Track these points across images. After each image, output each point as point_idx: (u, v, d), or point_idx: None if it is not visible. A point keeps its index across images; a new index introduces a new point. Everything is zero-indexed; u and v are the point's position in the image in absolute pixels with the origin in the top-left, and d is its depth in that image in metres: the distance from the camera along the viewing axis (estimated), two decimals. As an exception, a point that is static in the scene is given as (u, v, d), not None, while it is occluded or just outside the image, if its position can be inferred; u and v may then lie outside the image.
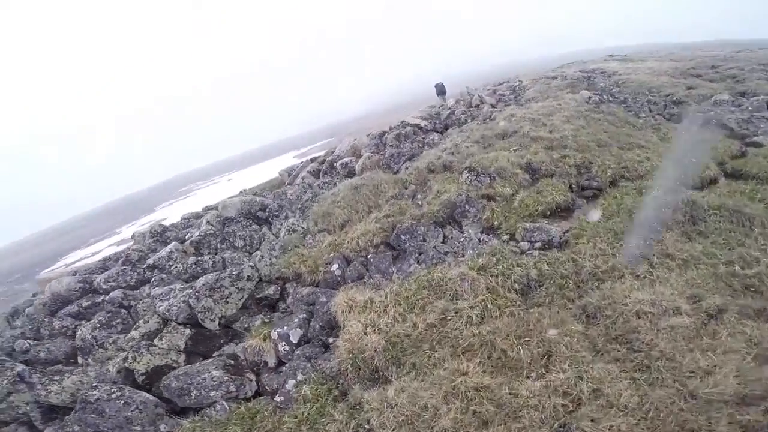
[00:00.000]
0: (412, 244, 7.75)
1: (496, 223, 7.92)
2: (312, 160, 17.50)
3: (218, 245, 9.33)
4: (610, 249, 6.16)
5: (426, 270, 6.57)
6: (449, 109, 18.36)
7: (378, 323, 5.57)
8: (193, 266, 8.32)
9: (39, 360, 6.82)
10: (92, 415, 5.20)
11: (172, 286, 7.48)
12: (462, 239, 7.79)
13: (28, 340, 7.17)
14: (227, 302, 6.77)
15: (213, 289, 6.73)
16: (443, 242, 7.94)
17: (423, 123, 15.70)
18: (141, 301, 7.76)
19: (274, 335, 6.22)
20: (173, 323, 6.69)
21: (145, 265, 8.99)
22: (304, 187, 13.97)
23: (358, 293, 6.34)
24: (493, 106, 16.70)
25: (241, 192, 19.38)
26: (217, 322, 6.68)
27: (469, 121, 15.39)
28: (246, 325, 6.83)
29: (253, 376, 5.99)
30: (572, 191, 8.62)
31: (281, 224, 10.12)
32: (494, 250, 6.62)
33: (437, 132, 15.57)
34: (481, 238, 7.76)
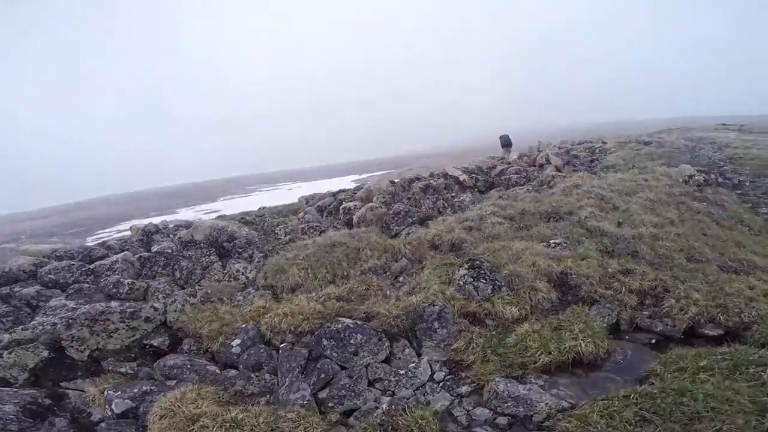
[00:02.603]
0: (335, 354, 5.33)
1: (468, 359, 5.03)
2: (334, 194, 15.22)
3: (159, 269, 8.30)
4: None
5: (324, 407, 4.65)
6: (508, 164, 15.31)
7: None
8: (111, 287, 7.32)
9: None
10: None
11: (66, 302, 6.72)
12: (408, 368, 5.21)
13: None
14: (111, 337, 6.17)
15: (95, 320, 6.15)
16: (386, 362, 5.43)
17: (463, 177, 12.88)
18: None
19: (107, 394, 5.08)
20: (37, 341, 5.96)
21: (84, 268, 7.89)
22: (302, 223, 11.74)
23: (207, 402, 4.36)
24: (558, 169, 13.34)
25: (260, 208, 17.80)
26: (86, 353, 6.06)
27: (521, 183, 12.27)
28: (112, 367, 5.94)
29: (63, 423, 4.99)
30: (617, 333, 5.42)
31: (233, 264, 8.49)
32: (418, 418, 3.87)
33: (479, 190, 12.69)
34: (436, 376, 5.13)
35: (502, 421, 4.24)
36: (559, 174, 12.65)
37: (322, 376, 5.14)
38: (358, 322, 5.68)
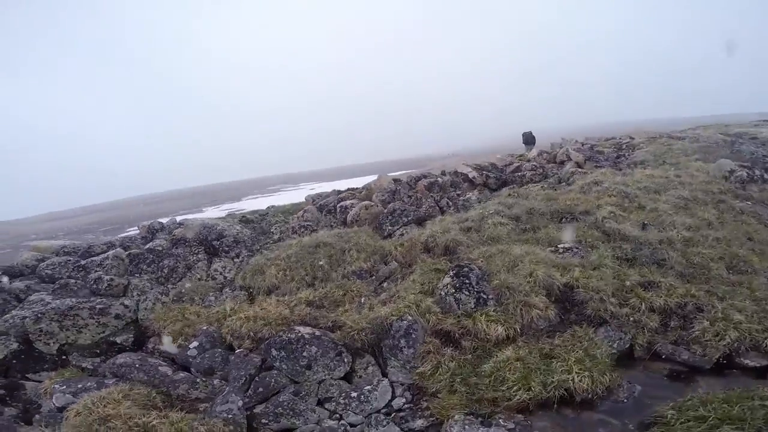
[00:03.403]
0: (285, 367, 4.73)
1: (432, 387, 4.16)
2: (339, 192, 14.36)
3: (145, 266, 8.15)
4: None
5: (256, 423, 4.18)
6: (526, 161, 14.13)
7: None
8: (92, 283, 7.24)
9: None
10: None
11: (43, 297, 6.63)
12: (363, 391, 4.44)
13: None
14: (81, 332, 6.16)
15: (65, 315, 6.15)
16: (346, 379, 4.76)
17: (473, 174, 11.79)
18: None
19: (53, 387, 4.89)
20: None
21: (77, 264, 7.82)
22: (298, 222, 11.04)
23: (128, 404, 4.02)
24: (579, 165, 12.04)
25: (268, 207, 17.32)
26: (56, 347, 6.07)
27: (537, 180, 11.10)
28: (76, 362, 5.94)
29: (12, 412, 4.92)
30: (630, 361, 4.34)
31: (217, 263, 8.22)
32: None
33: (489, 189, 11.60)
34: (395, 402, 4.36)
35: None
36: (580, 170, 11.37)
37: (260, 389, 4.57)
38: (316, 333, 4.97)
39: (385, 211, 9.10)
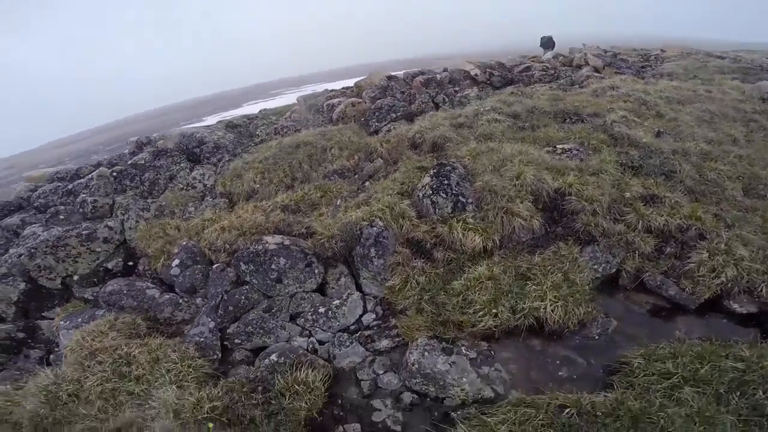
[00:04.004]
0: (256, 281, 4.33)
1: (401, 303, 3.79)
2: (330, 91, 13.16)
3: (128, 182, 7.69)
4: None
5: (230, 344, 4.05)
6: (539, 62, 12.66)
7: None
8: (79, 207, 6.88)
9: None
10: None
11: (35, 230, 6.37)
12: (332, 306, 4.11)
13: None
14: (76, 262, 5.86)
15: (56, 246, 5.87)
16: (320, 290, 4.40)
17: (475, 71, 10.54)
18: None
19: (59, 324, 4.76)
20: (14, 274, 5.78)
21: (65, 188, 7.42)
22: (285, 123, 10.22)
23: (113, 335, 3.91)
24: (596, 70, 10.74)
25: (261, 110, 16.18)
26: (58, 281, 5.85)
27: (546, 81, 9.97)
28: (78, 294, 5.70)
29: (38, 354, 5.05)
30: (613, 288, 3.90)
31: (197, 171, 7.71)
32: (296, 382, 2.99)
33: (493, 87, 10.46)
34: (365, 318, 4.05)
35: (407, 398, 3.07)
36: (597, 75, 10.17)
37: (230, 308, 4.21)
38: (285, 242, 4.45)
39: (373, 107, 8.15)
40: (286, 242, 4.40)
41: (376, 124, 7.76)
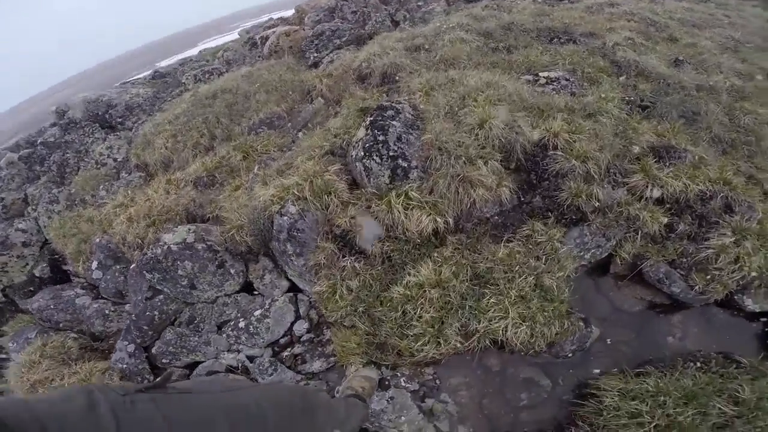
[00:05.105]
0: (168, 290, 3.36)
1: (332, 315, 2.85)
2: (282, 19, 11.00)
3: (38, 167, 6.60)
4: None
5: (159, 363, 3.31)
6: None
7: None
8: None
9: None
10: None
11: None
12: (255, 318, 3.19)
13: None
14: (6, 272, 5.24)
15: None
16: (247, 290, 3.47)
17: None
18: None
19: (8, 346, 4.20)
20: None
21: None
22: (217, 64, 8.56)
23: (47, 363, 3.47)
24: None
25: (200, 51, 13.95)
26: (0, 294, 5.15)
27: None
28: (23, 306, 4.96)
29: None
30: (600, 275, 3.03)
31: (109, 141, 6.44)
32: None
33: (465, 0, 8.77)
34: (296, 327, 3.23)
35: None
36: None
37: (144, 326, 3.27)
38: (189, 239, 3.34)
39: (311, 33, 6.52)
40: (190, 239, 3.34)
41: (316, 54, 6.26)
